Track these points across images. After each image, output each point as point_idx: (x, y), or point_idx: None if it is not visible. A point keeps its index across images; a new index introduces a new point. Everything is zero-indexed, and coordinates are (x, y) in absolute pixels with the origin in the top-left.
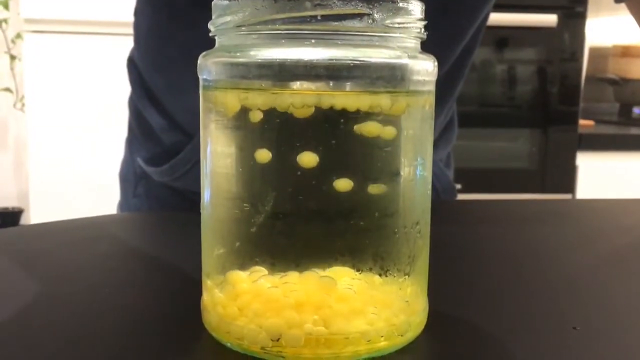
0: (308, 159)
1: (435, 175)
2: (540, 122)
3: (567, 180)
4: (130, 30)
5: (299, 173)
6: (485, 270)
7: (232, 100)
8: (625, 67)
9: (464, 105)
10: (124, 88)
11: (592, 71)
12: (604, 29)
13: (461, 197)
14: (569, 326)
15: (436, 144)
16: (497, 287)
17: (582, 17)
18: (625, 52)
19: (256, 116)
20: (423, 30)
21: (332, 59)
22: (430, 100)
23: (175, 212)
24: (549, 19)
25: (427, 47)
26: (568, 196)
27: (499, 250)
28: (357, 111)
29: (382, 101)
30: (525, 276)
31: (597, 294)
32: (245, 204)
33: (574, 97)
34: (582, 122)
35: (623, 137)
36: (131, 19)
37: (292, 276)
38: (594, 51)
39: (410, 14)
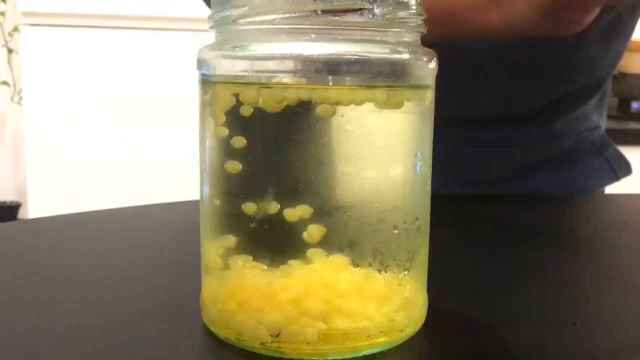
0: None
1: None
2: None
3: None
4: (127, 24)
5: (297, 165)
6: (485, 265)
7: (230, 95)
8: (624, 62)
9: None
10: (122, 81)
11: None
12: None
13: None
14: (569, 321)
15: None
16: (496, 282)
17: None
18: None
19: (255, 110)
20: (423, 24)
21: (332, 54)
22: (431, 95)
23: (173, 205)
24: None
25: None
26: None
27: (498, 244)
28: (357, 106)
29: (383, 96)
30: (525, 271)
31: (596, 289)
32: (243, 200)
33: None
34: None
35: (622, 132)
36: (128, 12)
37: (291, 271)
38: None
39: (411, 9)
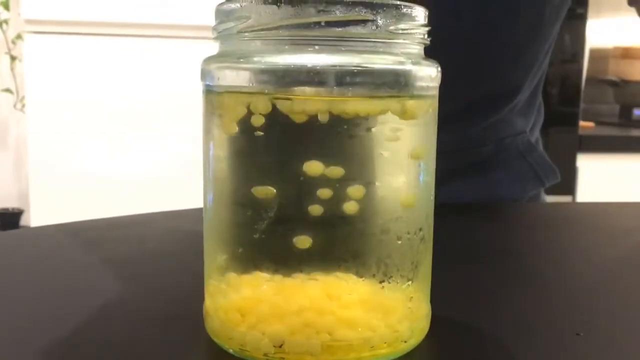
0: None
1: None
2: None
3: (567, 181)
4: (130, 32)
5: (301, 179)
6: (488, 276)
7: (234, 106)
8: (625, 69)
9: None
10: (124, 89)
11: (592, 72)
12: (605, 31)
13: None
14: (573, 332)
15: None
16: (500, 293)
17: (582, 18)
18: (626, 53)
19: (259, 122)
20: (426, 35)
21: (335, 65)
22: (434, 105)
23: (176, 213)
24: None
25: None
26: (568, 198)
27: (501, 254)
28: (361, 117)
29: (386, 107)
30: (529, 281)
31: (600, 299)
32: (247, 210)
33: (574, 98)
34: (582, 123)
35: (623, 139)
36: (130, 19)
37: (295, 282)
38: (595, 52)
39: (414, 20)
